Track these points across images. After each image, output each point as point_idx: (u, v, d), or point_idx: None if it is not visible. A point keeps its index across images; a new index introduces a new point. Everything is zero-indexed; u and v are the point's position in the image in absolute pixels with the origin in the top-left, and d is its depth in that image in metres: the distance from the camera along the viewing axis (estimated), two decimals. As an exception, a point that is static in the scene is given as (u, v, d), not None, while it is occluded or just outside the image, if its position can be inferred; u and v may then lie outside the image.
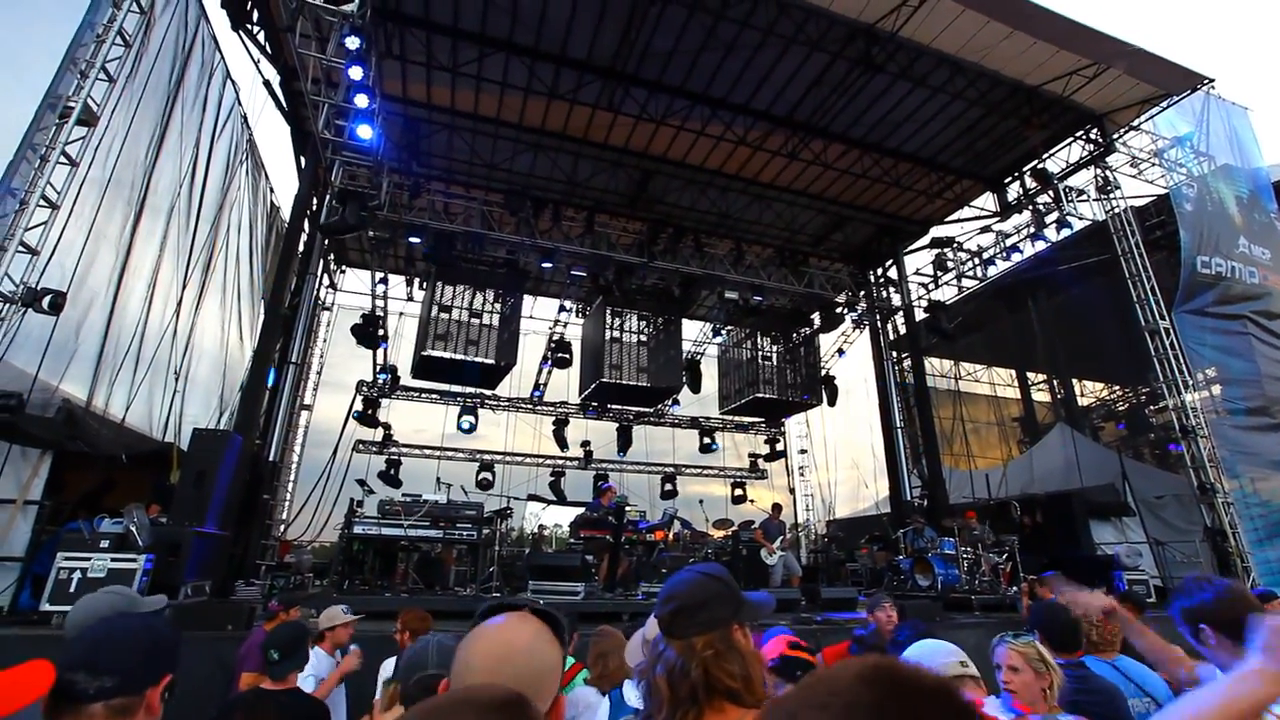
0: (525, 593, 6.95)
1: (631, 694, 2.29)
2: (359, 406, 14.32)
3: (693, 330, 16.04)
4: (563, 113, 10.05)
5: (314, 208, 10.20)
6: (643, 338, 12.58)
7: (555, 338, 14.99)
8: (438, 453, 16.02)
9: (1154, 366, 9.67)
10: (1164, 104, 9.54)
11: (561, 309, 14.60)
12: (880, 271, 13.99)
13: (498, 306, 11.37)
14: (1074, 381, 17.56)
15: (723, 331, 15.48)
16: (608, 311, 12.20)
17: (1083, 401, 17.81)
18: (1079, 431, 14.51)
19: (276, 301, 9.27)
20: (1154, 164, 10.25)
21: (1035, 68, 8.97)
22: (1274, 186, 10.79)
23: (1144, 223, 10.26)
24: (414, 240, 10.88)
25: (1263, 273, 10.12)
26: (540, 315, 15.50)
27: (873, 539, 11.83)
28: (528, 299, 13.89)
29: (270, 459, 8.47)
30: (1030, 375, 18.05)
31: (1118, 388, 17.78)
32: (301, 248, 9.91)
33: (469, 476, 14.87)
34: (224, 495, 6.30)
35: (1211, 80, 9.26)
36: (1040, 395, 18.25)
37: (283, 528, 11.48)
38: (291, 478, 13.00)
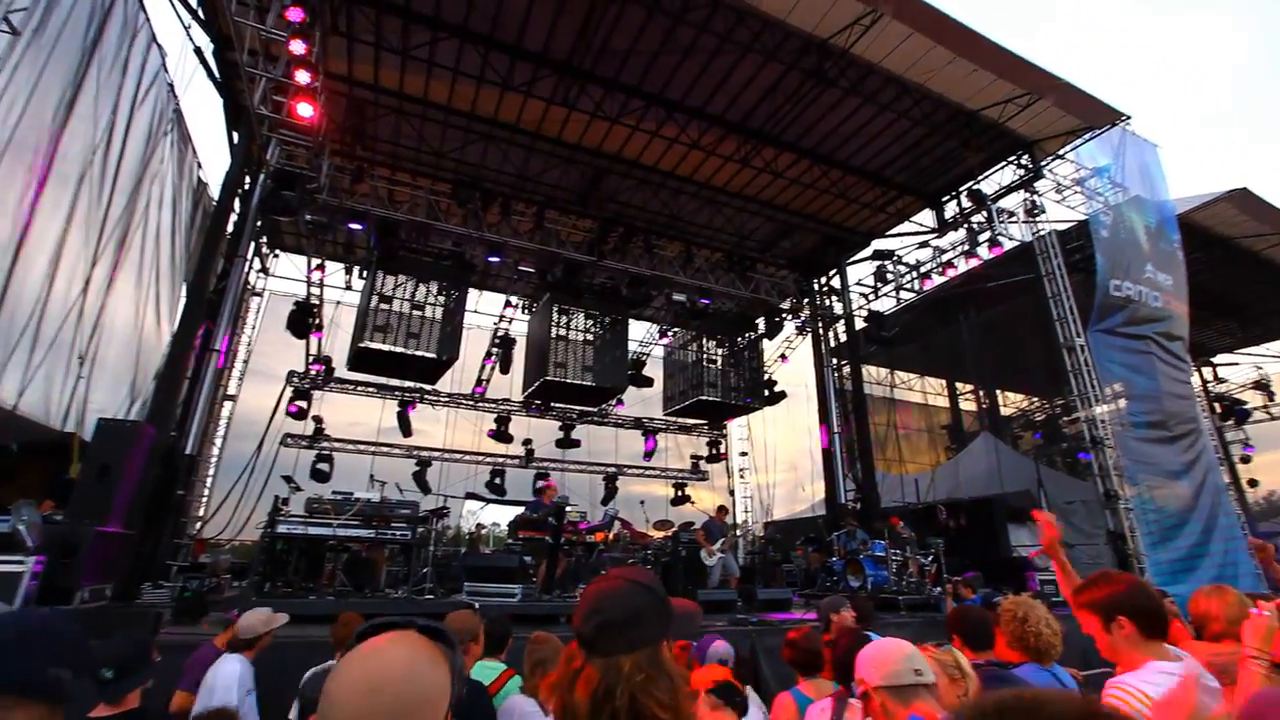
0: (460, 594, 6.77)
1: None
2: (289, 398, 13.65)
3: (639, 331, 16.07)
4: (516, 105, 9.85)
5: (246, 187, 9.63)
6: (589, 336, 12.48)
7: (500, 333, 14.72)
8: (372, 448, 15.45)
9: (1069, 381, 10.31)
10: (1087, 136, 10.18)
11: (507, 304, 14.35)
12: (824, 280, 14.38)
13: (441, 299, 11.04)
14: (998, 392, 18.60)
15: (669, 333, 15.57)
16: (554, 309, 12.05)
17: (1005, 411, 18.88)
18: (1001, 440, 15.36)
19: (201, 284, 8.68)
20: (1076, 191, 10.92)
21: (975, 93, 9.41)
22: (1177, 219, 11.70)
23: (1065, 246, 10.92)
24: (355, 227, 10.44)
25: (1165, 297, 10.94)
26: (485, 310, 15.18)
27: (808, 540, 12.14)
28: (472, 293, 13.55)
29: (187, 452, 7.90)
30: (959, 385, 19.02)
31: (1036, 399, 18.95)
32: (231, 228, 9.31)
33: (405, 473, 14.40)
34: (132, 491, 5.83)
35: (1128, 117, 9.95)
36: (967, 404, 19.26)
37: (199, 526, 10.77)
38: (211, 472, 12.24)
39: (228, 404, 13.03)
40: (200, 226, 10.33)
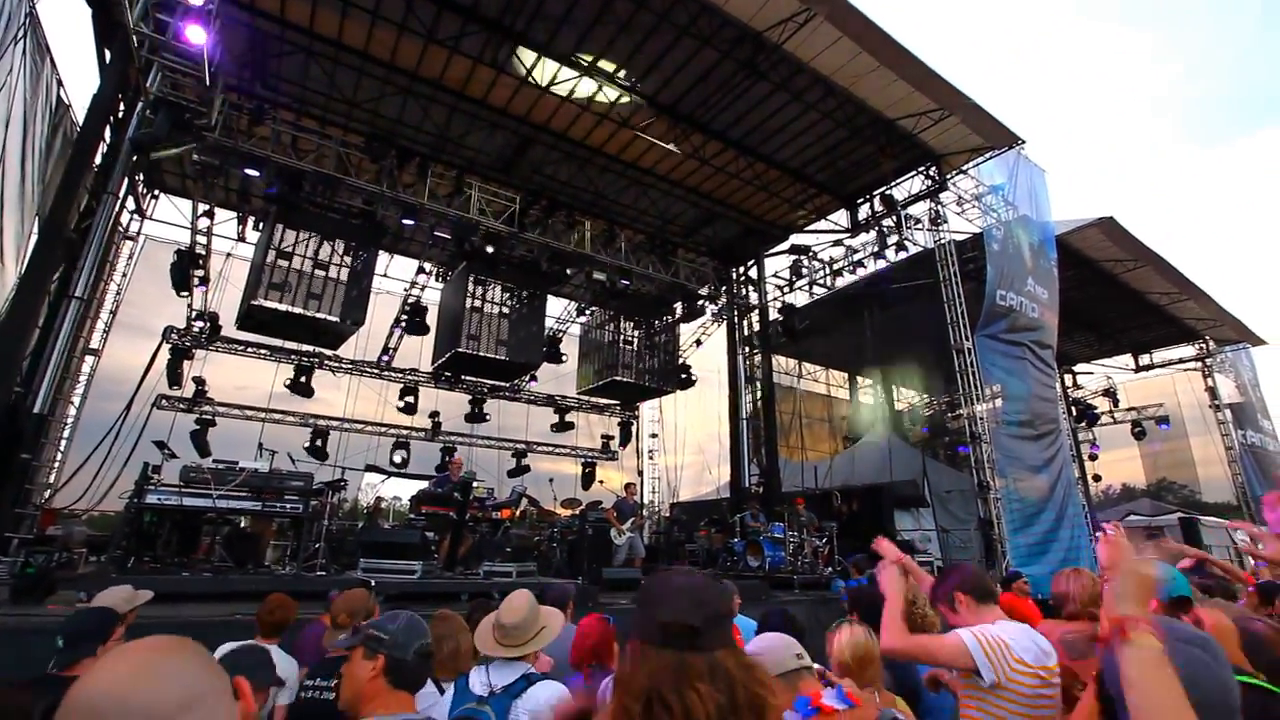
0: (356, 571, 6.45)
1: (477, 682, 2.16)
2: (166, 356, 12.37)
3: (557, 307, 15.85)
4: (440, 60, 9.31)
5: (120, 115, 8.54)
6: (505, 310, 12.12)
7: (411, 300, 14.03)
8: (263, 414, 14.33)
9: (956, 380, 11.18)
10: (987, 155, 10.95)
11: (420, 271, 13.69)
12: (742, 270, 14.74)
13: (348, 260, 10.30)
14: (893, 387, 19.93)
15: (587, 311, 15.45)
16: (470, 279, 11.59)
17: (898, 406, 20.27)
18: (893, 432, 16.46)
19: (59, 221, 7.61)
20: (974, 206, 11.78)
21: (894, 103, 9.86)
22: (1055, 239, 12.91)
23: (962, 255, 11.76)
24: (251, 173, 9.50)
25: (1041, 309, 12.07)
26: (396, 275, 14.42)
27: (711, 522, 12.53)
28: (383, 256, 12.82)
29: (36, 410, 6.98)
30: (860, 379, 20.19)
31: (927, 396, 20.47)
32: (100, 160, 8.22)
33: (298, 442, 13.49)
34: (-38, 451, 5.08)
35: (1024, 141, 10.80)
36: (866, 398, 20.50)
37: (48, 494, 9.60)
38: (65, 434, 10.91)
39: (90, 359, 11.63)
40: (60, 154, 9.08)
